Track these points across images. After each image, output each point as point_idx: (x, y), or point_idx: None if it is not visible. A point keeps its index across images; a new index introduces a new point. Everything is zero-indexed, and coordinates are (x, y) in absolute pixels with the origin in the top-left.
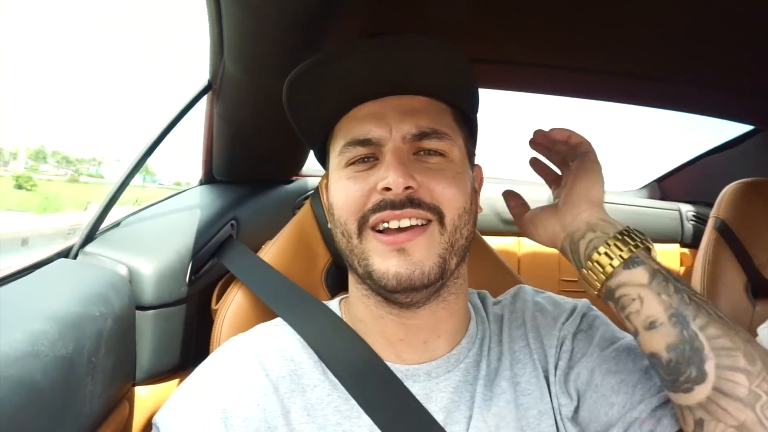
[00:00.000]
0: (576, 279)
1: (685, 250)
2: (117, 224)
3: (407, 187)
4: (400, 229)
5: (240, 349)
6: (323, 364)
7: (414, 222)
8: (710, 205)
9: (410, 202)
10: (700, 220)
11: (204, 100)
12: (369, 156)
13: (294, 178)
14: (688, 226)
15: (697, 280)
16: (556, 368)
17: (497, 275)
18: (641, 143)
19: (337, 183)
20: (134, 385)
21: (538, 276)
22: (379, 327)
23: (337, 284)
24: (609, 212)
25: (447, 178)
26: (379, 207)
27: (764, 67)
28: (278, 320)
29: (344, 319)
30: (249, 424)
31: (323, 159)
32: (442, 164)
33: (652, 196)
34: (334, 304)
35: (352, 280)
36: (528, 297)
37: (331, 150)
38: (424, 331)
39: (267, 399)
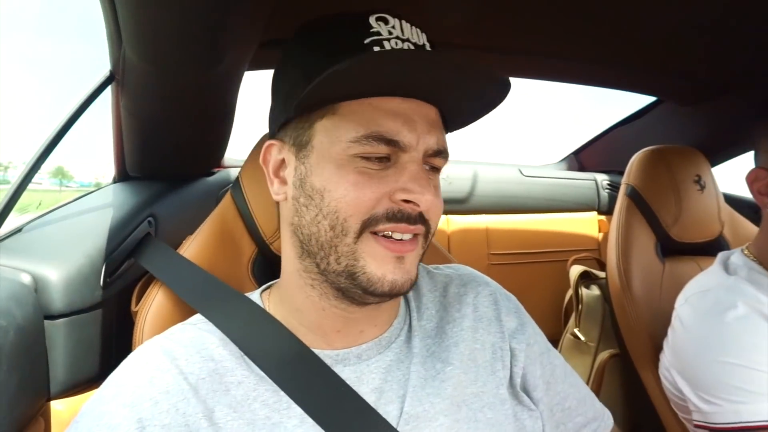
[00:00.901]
0: (505, 251)
1: (602, 217)
2: (18, 230)
3: None
4: (401, 240)
5: (153, 353)
6: (247, 359)
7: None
8: (622, 174)
9: (420, 218)
10: (614, 188)
11: (109, 93)
12: (385, 156)
13: (215, 170)
14: (604, 194)
15: (612, 244)
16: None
17: (428, 255)
18: (559, 119)
19: (340, 172)
20: (49, 399)
21: (468, 252)
22: (317, 318)
23: (265, 274)
24: (532, 185)
25: (440, 197)
26: (395, 217)
27: (661, 44)
28: (197, 318)
29: (268, 310)
30: (169, 430)
31: (280, 123)
32: (437, 182)
33: (570, 168)
34: (255, 296)
35: (295, 268)
36: (483, 282)
37: (326, 128)
38: (362, 323)
39: (186, 403)
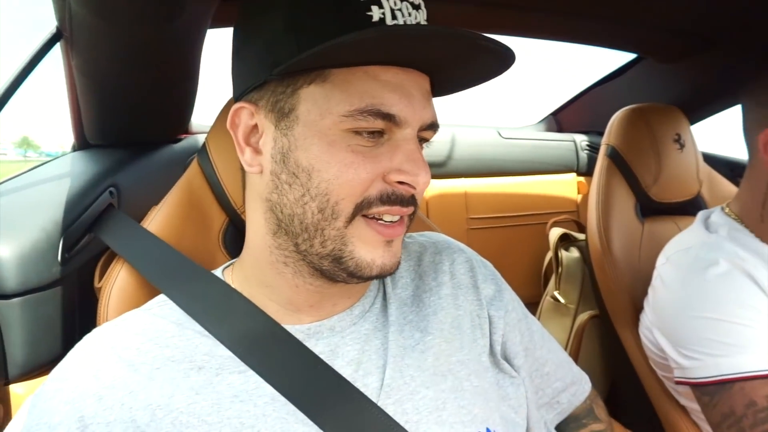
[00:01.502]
0: (484, 215)
1: (582, 179)
2: None
3: None
4: (391, 222)
5: (100, 345)
6: (213, 339)
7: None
8: (602, 134)
9: (412, 199)
10: (594, 149)
11: (59, 52)
12: (379, 131)
13: (182, 136)
14: (583, 155)
15: (593, 205)
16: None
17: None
18: (537, 79)
19: (331, 150)
20: (7, 383)
21: (447, 216)
22: (290, 294)
23: (238, 246)
24: (511, 148)
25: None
26: (389, 200)
27: None
28: (154, 301)
29: (234, 287)
30: (113, 428)
31: (252, 84)
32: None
33: (549, 129)
34: (218, 274)
35: (266, 244)
36: (458, 249)
37: (315, 97)
38: (337, 296)
39: (134, 397)
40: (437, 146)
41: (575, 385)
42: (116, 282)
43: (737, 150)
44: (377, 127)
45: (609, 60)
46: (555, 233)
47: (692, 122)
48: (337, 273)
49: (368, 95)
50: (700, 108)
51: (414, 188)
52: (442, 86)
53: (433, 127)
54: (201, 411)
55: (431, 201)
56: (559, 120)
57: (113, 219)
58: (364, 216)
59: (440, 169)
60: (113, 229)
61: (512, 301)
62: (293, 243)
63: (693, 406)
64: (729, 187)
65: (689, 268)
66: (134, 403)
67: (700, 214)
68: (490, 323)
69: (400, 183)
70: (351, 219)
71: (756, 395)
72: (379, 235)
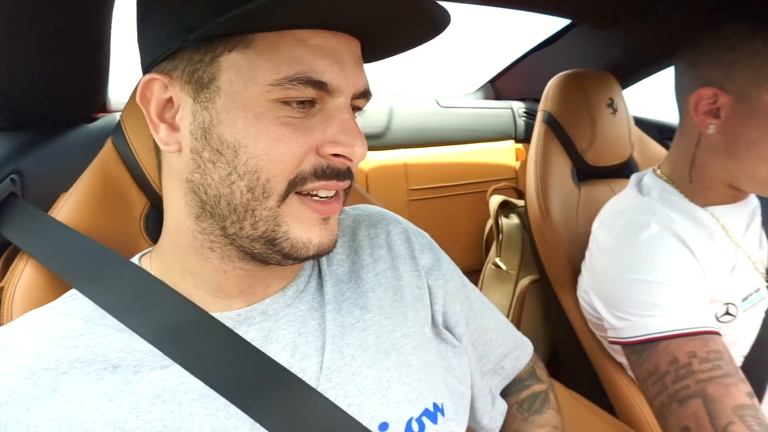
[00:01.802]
0: (424, 186)
1: (519, 146)
2: None
3: None
4: (327, 198)
5: None
6: (130, 333)
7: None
8: (538, 101)
9: (348, 172)
10: (530, 116)
11: None
12: (309, 101)
13: (99, 115)
14: (520, 122)
15: (531, 172)
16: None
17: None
18: (474, 47)
19: (259, 123)
20: None
21: (387, 189)
22: (218, 281)
23: (161, 230)
24: (449, 116)
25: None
26: (324, 174)
27: None
28: (63, 297)
29: (154, 275)
30: None
31: (163, 52)
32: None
33: (487, 97)
34: (135, 260)
35: (188, 229)
36: (393, 220)
37: (237, 65)
38: (269, 278)
39: (32, 413)
40: (375, 117)
41: (518, 350)
42: (20, 280)
43: (665, 114)
44: (308, 97)
45: (547, 26)
46: (495, 201)
47: (624, 87)
48: (271, 255)
49: (297, 62)
50: (632, 73)
51: (350, 160)
52: (373, 51)
53: (366, 95)
54: (116, 418)
55: (371, 174)
56: (497, 87)
57: (15, 210)
58: (298, 193)
59: (379, 141)
60: (15, 220)
61: (450, 270)
62: (220, 226)
63: (624, 360)
64: (659, 150)
65: (622, 231)
66: (33, 419)
67: (633, 177)
68: (430, 293)
69: (335, 155)
70: (284, 197)
71: (678, 352)
72: (314, 212)
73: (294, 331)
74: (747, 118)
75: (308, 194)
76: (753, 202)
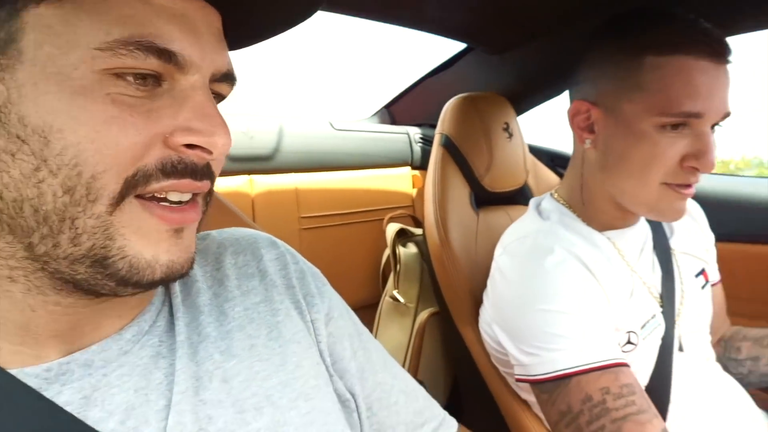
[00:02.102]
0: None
1: (416, 172)
2: None
3: None
4: (179, 204)
5: None
6: None
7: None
8: (434, 127)
9: (207, 169)
10: (427, 142)
11: None
12: (151, 75)
13: None
14: (417, 148)
15: (429, 197)
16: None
17: (224, 223)
18: (369, 71)
19: (80, 100)
20: None
21: (276, 216)
22: (22, 321)
23: None
24: (344, 140)
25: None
26: (175, 170)
27: None
28: None
29: None
30: None
31: None
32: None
33: (382, 122)
34: None
35: None
36: (268, 243)
37: (48, 24)
38: (99, 316)
39: None
40: (263, 137)
41: (435, 423)
42: None
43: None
44: (150, 69)
45: (443, 50)
46: (392, 229)
47: (518, 113)
48: (101, 283)
49: (134, 21)
50: (527, 97)
51: (210, 153)
52: (237, 33)
53: (229, 78)
54: None
55: (258, 199)
56: (393, 113)
57: None
58: (139, 197)
59: (267, 164)
60: None
61: (339, 307)
62: (23, 245)
63: (533, 398)
64: (551, 177)
65: (527, 258)
66: None
67: (532, 202)
68: (314, 328)
69: (190, 147)
70: (118, 201)
71: (591, 389)
72: (162, 221)
73: (130, 388)
74: (614, 130)
75: (153, 198)
76: (645, 226)
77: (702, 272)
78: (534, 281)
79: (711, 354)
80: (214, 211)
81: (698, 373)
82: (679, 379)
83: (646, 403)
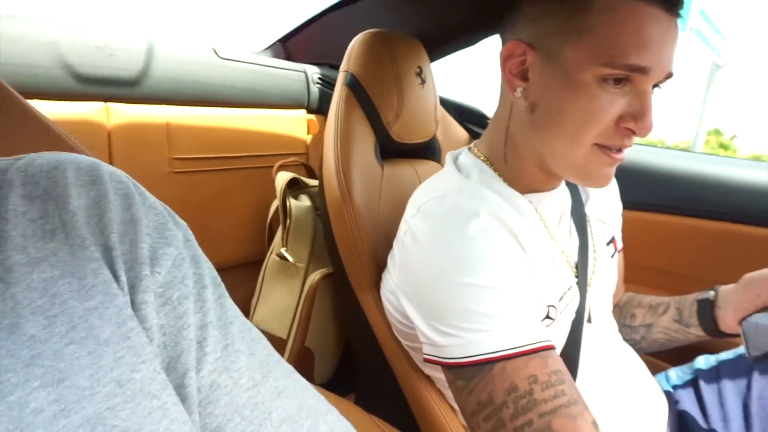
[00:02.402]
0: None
1: (312, 116)
2: None
3: None
4: None
5: None
6: None
7: None
8: (336, 68)
9: None
10: (326, 84)
11: None
12: None
13: None
14: (314, 89)
15: (330, 143)
16: None
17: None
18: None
19: None
20: None
21: (139, 155)
22: None
23: None
24: (231, 71)
25: None
26: None
27: None
28: None
29: None
30: None
31: None
32: None
33: (276, 57)
34: None
35: None
36: (81, 165)
37: None
38: None
39: None
40: (126, 57)
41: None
42: None
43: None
44: None
45: None
46: (282, 178)
47: (432, 59)
48: None
49: None
50: (441, 43)
51: None
52: None
53: None
54: None
55: (116, 133)
56: (289, 48)
57: None
58: None
59: (131, 90)
60: None
61: (199, 272)
62: None
63: (439, 375)
64: (460, 133)
65: (446, 221)
66: None
67: (449, 156)
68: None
69: None
70: None
71: (517, 377)
72: None
73: None
74: (551, 79)
75: None
76: (565, 191)
77: (612, 240)
78: (455, 250)
79: (613, 324)
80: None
81: (603, 344)
82: (586, 351)
83: (575, 392)
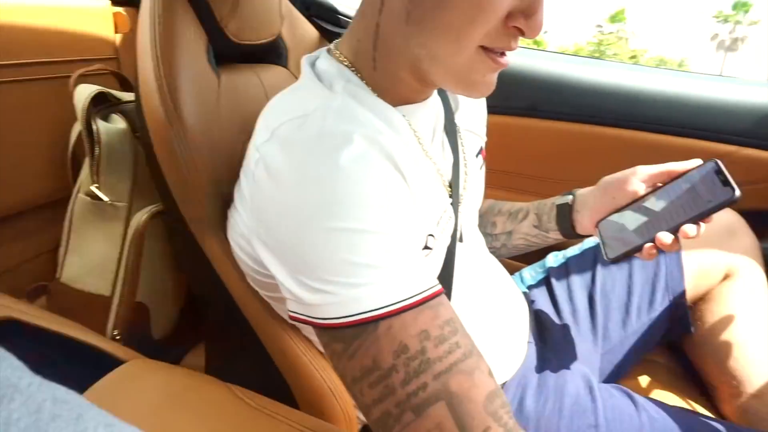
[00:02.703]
0: None
1: (120, 9)
2: None
3: None
4: None
5: None
6: None
7: None
8: None
9: None
10: None
11: None
12: None
13: None
14: None
15: (146, 48)
16: None
17: None
18: None
19: None
20: None
21: None
22: None
23: None
24: None
25: None
26: None
27: None
28: None
29: None
30: None
31: None
32: None
33: None
34: None
35: None
36: None
37: None
38: None
39: None
40: None
41: None
42: None
43: None
44: None
45: None
46: (84, 93)
47: None
48: None
49: None
50: None
51: None
52: None
53: None
54: None
55: None
56: None
57: None
58: None
59: None
60: None
61: None
62: None
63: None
64: (309, 30)
65: (311, 151)
66: None
67: (306, 60)
68: None
69: None
70: None
71: (406, 335)
72: None
73: None
74: None
75: None
76: (437, 101)
77: (480, 151)
78: (324, 186)
79: (481, 239)
80: None
81: (473, 261)
82: (459, 272)
83: (469, 340)
